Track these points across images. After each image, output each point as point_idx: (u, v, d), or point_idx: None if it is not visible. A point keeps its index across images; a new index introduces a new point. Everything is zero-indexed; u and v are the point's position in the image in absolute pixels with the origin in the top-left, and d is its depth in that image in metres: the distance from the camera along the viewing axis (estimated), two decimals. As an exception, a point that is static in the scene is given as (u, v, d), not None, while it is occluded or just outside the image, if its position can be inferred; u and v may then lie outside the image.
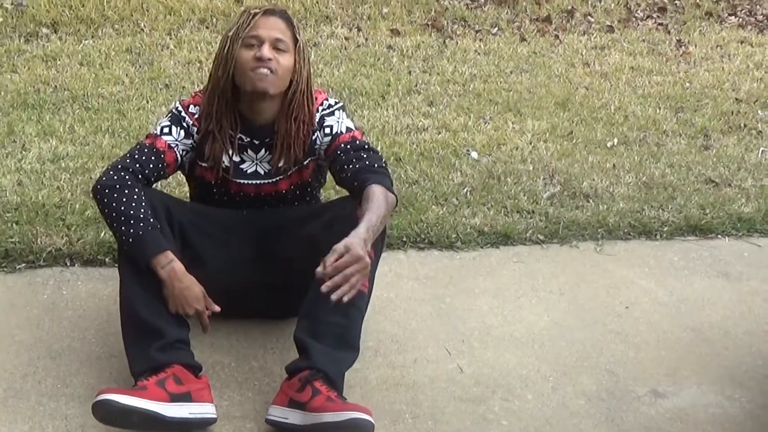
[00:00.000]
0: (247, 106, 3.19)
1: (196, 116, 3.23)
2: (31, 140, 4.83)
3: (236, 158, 3.26)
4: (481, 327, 3.59)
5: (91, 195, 3.18)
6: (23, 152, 4.67)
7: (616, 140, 5.27)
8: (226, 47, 3.14)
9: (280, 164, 3.25)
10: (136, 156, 3.16)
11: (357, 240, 2.79)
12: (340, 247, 2.77)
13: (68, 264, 3.77)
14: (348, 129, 3.24)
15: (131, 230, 3.01)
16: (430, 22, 7.19)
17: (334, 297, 2.75)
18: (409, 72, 6.25)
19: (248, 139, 3.24)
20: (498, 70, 6.38)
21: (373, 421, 2.84)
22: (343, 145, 3.20)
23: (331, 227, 3.10)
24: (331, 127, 3.24)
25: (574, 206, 4.44)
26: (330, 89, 5.85)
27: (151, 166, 3.16)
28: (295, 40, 3.16)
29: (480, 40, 7.00)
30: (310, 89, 3.22)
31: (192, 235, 3.20)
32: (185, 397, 2.91)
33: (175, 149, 3.21)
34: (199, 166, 3.29)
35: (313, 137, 3.24)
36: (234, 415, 3.07)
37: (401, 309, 3.66)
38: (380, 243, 3.18)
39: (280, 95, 3.17)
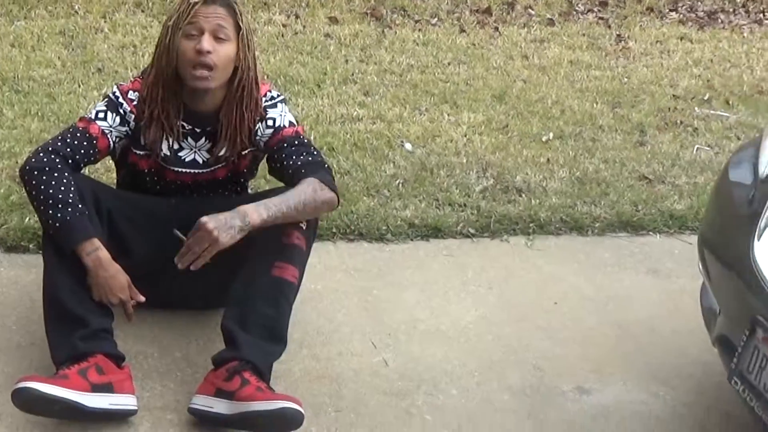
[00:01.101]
0: (190, 94, 3.13)
1: (135, 103, 3.15)
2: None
3: (175, 146, 3.19)
4: (407, 320, 3.56)
5: (18, 177, 3.10)
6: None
7: (551, 134, 5.26)
8: (168, 37, 3.05)
9: (221, 153, 3.19)
10: (68, 140, 3.08)
11: (217, 215, 2.90)
12: (200, 220, 2.89)
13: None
14: (291, 123, 3.20)
15: (58, 215, 2.94)
16: (369, 11, 7.14)
17: (180, 266, 2.91)
18: (346, 61, 6.21)
19: (189, 127, 3.18)
20: (436, 61, 6.35)
21: (303, 412, 2.81)
22: (288, 139, 3.16)
23: None
24: (274, 119, 3.19)
25: (507, 200, 4.43)
26: (266, 76, 5.77)
27: (82, 151, 3.08)
28: (238, 28, 3.07)
29: (419, 30, 6.97)
30: (257, 76, 3.15)
31: (119, 222, 3.13)
32: (107, 388, 2.86)
33: (108, 136, 3.14)
34: (132, 154, 3.22)
35: (255, 128, 3.18)
36: (155, 406, 3.02)
37: (328, 300, 3.62)
38: (311, 234, 3.16)
39: (223, 84, 3.10)
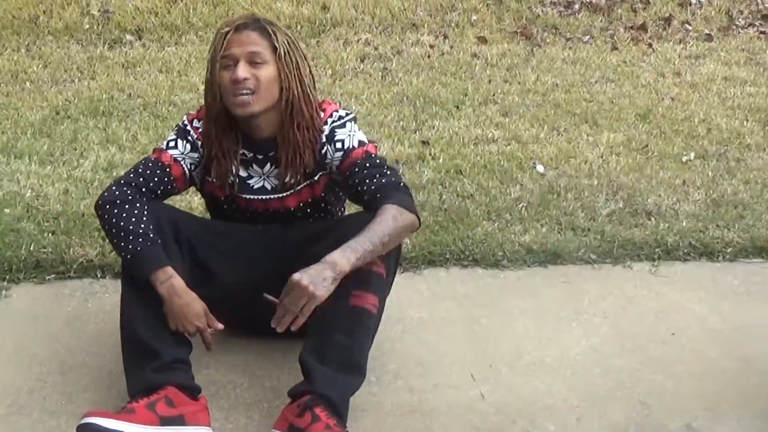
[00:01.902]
0: (245, 123, 3.10)
1: (200, 130, 3.16)
2: (90, 148, 4.86)
3: (243, 173, 3.18)
4: (512, 351, 3.43)
5: (94, 211, 3.13)
6: (80, 160, 4.69)
7: (693, 154, 5.03)
8: (208, 71, 3.06)
9: (287, 178, 3.14)
10: (140, 170, 3.11)
11: (307, 270, 2.78)
12: (290, 279, 2.77)
13: (98, 276, 3.75)
14: (361, 143, 3.12)
15: (130, 246, 2.95)
16: (519, 30, 7.03)
17: (279, 330, 2.78)
18: (489, 81, 6.11)
19: (251, 155, 3.16)
20: (582, 80, 6.19)
21: None
22: (359, 161, 3.08)
23: (336, 247, 2.98)
24: (343, 141, 3.12)
25: (634, 224, 4.24)
26: (405, 98, 5.76)
27: (156, 179, 3.10)
28: (274, 49, 3.02)
29: (570, 48, 6.81)
30: (307, 93, 3.09)
31: (202, 250, 3.13)
32: (177, 420, 2.83)
33: (182, 163, 3.15)
34: (209, 183, 3.22)
35: (323, 150, 3.13)
36: (236, 438, 2.99)
37: (432, 330, 3.53)
38: (392, 261, 3.07)
39: (274, 107, 3.07)
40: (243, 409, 3.12)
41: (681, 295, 3.81)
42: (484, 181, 4.61)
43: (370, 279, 2.93)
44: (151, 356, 2.92)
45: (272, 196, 3.21)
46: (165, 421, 2.81)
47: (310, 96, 3.12)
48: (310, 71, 3.15)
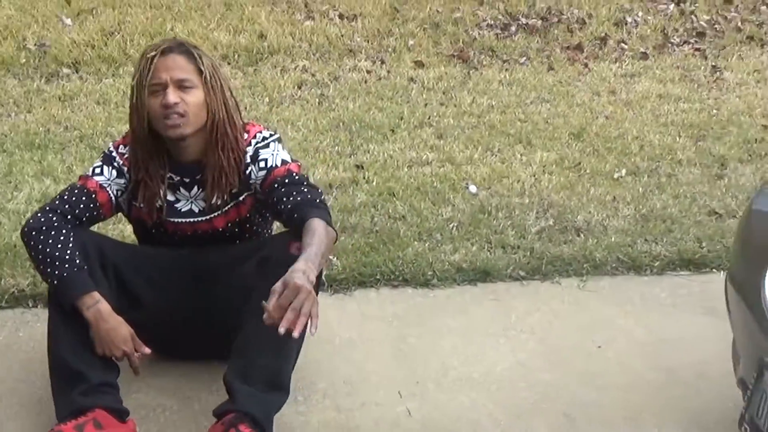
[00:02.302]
0: (172, 146, 3.13)
1: (126, 156, 3.18)
2: (25, 180, 4.85)
3: (171, 197, 3.20)
4: (439, 368, 3.47)
5: (20, 238, 3.14)
6: (14, 193, 4.69)
7: (624, 171, 5.11)
8: (134, 96, 3.08)
9: (213, 199, 3.16)
10: (65, 197, 3.12)
11: (294, 274, 2.66)
12: (277, 286, 2.65)
13: (30, 305, 3.76)
14: (284, 162, 3.15)
15: (56, 272, 2.96)
16: (456, 53, 7.09)
17: (295, 334, 2.62)
18: (426, 104, 6.16)
19: (178, 178, 3.18)
20: (518, 101, 6.26)
21: None
22: (279, 179, 3.10)
23: (263, 266, 3.02)
24: (266, 160, 3.14)
25: (563, 241, 4.30)
26: (341, 123, 5.80)
27: (81, 206, 3.11)
28: (200, 72, 3.05)
29: (506, 70, 6.88)
30: (231, 115, 3.12)
31: (128, 276, 3.15)
32: (104, 443, 2.84)
33: (108, 189, 3.16)
34: (135, 208, 3.24)
35: (248, 171, 3.16)
36: (164, 461, 2.99)
37: (360, 350, 3.56)
38: (317, 281, 3.07)
39: (202, 130, 3.09)
40: (172, 431, 3.12)
41: (608, 309, 3.87)
42: (416, 202, 4.65)
43: None
44: (77, 380, 2.93)
45: (200, 219, 3.23)
46: None
47: (234, 118, 3.15)
48: (232, 93, 3.19)
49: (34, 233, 3.02)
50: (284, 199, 3.06)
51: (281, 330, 2.57)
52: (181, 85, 3.03)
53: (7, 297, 3.77)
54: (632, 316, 3.81)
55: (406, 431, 3.16)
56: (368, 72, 6.76)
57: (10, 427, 3.13)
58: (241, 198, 3.20)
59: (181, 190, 3.20)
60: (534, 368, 3.48)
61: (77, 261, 2.98)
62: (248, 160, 3.15)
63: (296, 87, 6.48)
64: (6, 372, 3.41)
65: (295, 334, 2.59)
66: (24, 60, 6.65)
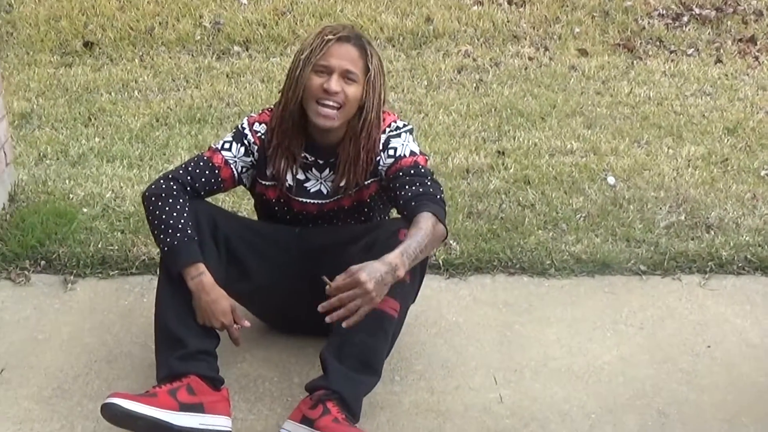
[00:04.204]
0: (314, 128, 3.20)
1: (260, 135, 3.27)
2: (178, 153, 5.08)
3: (300, 176, 3.29)
4: (539, 357, 3.48)
5: (141, 201, 3.30)
6: (165, 165, 4.92)
7: (773, 169, 4.95)
8: (298, 69, 3.13)
9: (341, 184, 3.25)
10: (190, 168, 3.25)
11: (372, 267, 2.78)
12: (351, 269, 2.77)
13: (157, 273, 3.91)
14: (412, 153, 3.19)
15: (167, 239, 3.11)
16: (622, 42, 6.99)
17: (327, 319, 2.78)
18: (582, 93, 6.12)
19: (312, 159, 3.27)
20: (677, 93, 6.14)
21: None
22: (405, 168, 3.15)
23: (369, 250, 3.08)
24: (395, 149, 3.20)
25: (691, 237, 4.22)
26: (493, 109, 5.82)
27: (203, 179, 3.23)
28: (367, 70, 3.12)
29: (672, 61, 6.76)
30: (379, 119, 3.19)
31: (238, 248, 3.25)
32: (197, 408, 2.98)
33: (233, 166, 3.27)
34: (259, 184, 3.34)
35: (377, 159, 3.22)
36: (254, 429, 3.13)
37: (464, 334, 3.60)
38: (418, 269, 3.12)
39: (349, 119, 3.17)
40: (267, 402, 3.26)
41: (725, 308, 3.79)
42: (549, 191, 4.64)
43: (394, 285, 2.94)
44: (177, 345, 3.07)
45: (327, 201, 3.31)
46: (184, 408, 2.96)
47: (380, 121, 3.22)
48: (386, 95, 3.25)
49: (153, 198, 3.17)
50: (405, 187, 3.11)
51: (319, 310, 2.76)
52: (346, 77, 3.10)
53: (137, 264, 3.98)
54: (749, 318, 3.73)
55: (494, 417, 3.18)
56: (530, 59, 6.75)
57: (119, 386, 3.30)
58: (366, 183, 3.27)
59: (313, 170, 3.28)
60: (636, 364, 3.45)
61: (189, 231, 3.11)
62: (380, 148, 3.21)
63: (456, 71, 6.54)
64: (125, 334, 3.61)
65: (327, 319, 2.78)
66: (199, 37, 6.93)
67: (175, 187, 3.18)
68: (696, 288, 3.92)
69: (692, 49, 6.92)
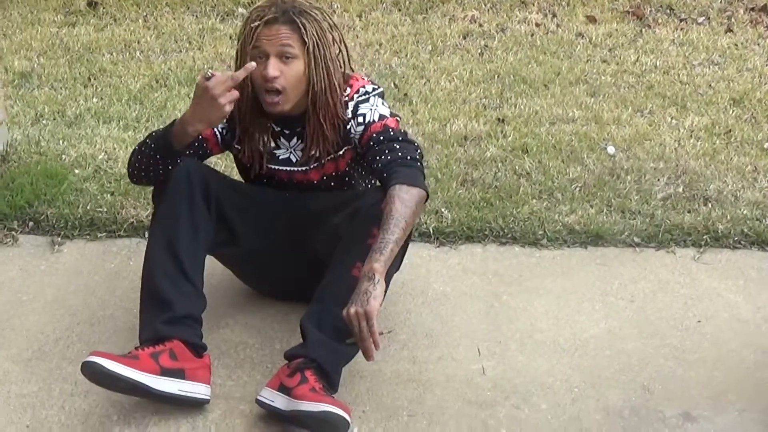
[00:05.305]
0: None
1: None
2: (175, 115, 5.00)
3: (272, 144, 3.25)
4: (525, 329, 3.43)
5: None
6: (161, 126, 4.83)
7: (776, 141, 4.86)
8: (238, 61, 3.11)
9: (312, 152, 3.20)
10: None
11: (351, 301, 2.79)
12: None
13: (145, 236, 3.87)
14: (381, 116, 3.15)
15: (148, 141, 3.16)
16: (632, 10, 6.88)
17: (369, 359, 2.81)
18: (587, 61, 6.04)
19: (279, 129, 3.23)
20: (685, 62, 6.04)
21: (348, 420, 2.81)
22: (375, 135, 3.11)
23: (353, 218, 3.07)
24: (364, 115, 3.15)
25: (687, 209, 4.15)
26: (496, 76, 5.75)
27: None
28: (304, 42, 3.05)
29: (681, 29, 6.64)
30: (333, 84, 3.12)
31: (229, 211, 3.20)
32: (177, 373, 2.95)
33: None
34: (235, 148, 3.32)
35: (348, 126, 3.18)
36: (233, 395, 3.10)
37: (451, 304, 3.56)
38: (397, 259, 3.09)
39: (301, 99, 3.12)
40: (248, 368, 3.23)
41: (718, 283, 3.73)
42: (546, 160, 4.58)
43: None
44: (164, 307, 3.02)
45: (296, 169, 3.28)
46: (165, 372, 2.93)
47: (336, 86, 3.15)
48: (340, 51, 3.18)
49: (131, 158, 3.20)
50: (378, 157, 3.07)
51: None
52: (283, 56, 3.04)
53: (126, 226, 3.95)
54: (742, 293, 3.67)
55: (475, 389, 3.14)
56: (537, 25, 6.66)
57: (99, 349, 3.26)
58: (340, 152, 3.23)
59: (281, 139, 3.25)
60: (623, 337, 3.40)
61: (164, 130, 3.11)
62: (349, 115, 3.17)
63: (461, 37, 6.46)
64: (110, 297, 3.58)
65: (370, 359, 2.79)
66: (204, -3, 6.86)
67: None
68: (690, 261, 3.86)
69: (703, 18, 6.81)
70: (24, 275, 3.75)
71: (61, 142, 4.74)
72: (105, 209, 4.05)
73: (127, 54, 6.17)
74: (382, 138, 3.11)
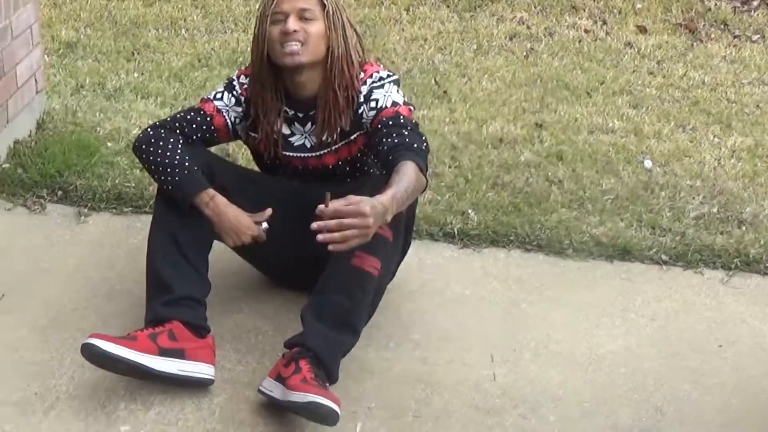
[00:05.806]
0: (290, 80, 3.17)
1: (245, 86, 3.25)
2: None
3: (286, 131, 3.24)
4: (541, 339, 3.39)
5: (133, 152, 3.26)
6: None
7: (819, 167, 4.77)
8: (258, 27, 3.13)
9: (324, 137, 3.18)
10: (180, 116, 3.24)
11: (373, 202, 2.66)
12: (352, 198, 2.65)
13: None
14: (394, 103, 3.12)
15: (169, 177, 3.07)
16: (684, 23, 6.79)
17: (320, 237, 2.62)
18: (633, 71, 5.95)
19: (293, 113, 3.22)
20: (734, 80, 5.94)
21: (337, 410, 2.76)
22: (385, 119, 3.09)
23: None
24: (377, 100, 3.14)
25: (720, 231, 4.07)
26: (539, 80, 5.69)
27: (194, 126, 3.20)
28: (323, 5, 3.09)
29: (734, 46, 6.53)
30: (350, 54, 3.13)
31: (234, 198, 3.18)
32: (177, 353, 2.94)
33: (225, 114, 3.24)
34: (252, 138, 3.31)
35: (360, 110, 3.16)
36: (241, 381, 3.09)
37: (468, 307, 3.52)
38: (401, 226, 3.07)
39: (319, 64, 3.12)
40: (257, 355, 3.22)
41: (745, 308, 3.65)
42: (580, 169, 4.52)
43: (375, 242, 2.83)
44: (163, 290, 3.04)
45: (311, 154, 3.26)
46: (164, 353, 2.92)
47: (353, 56, 3.16)
48: (356, 31, 3.20)
49: (144, 146, 3.14)
50: (384, 140, 3.04)
51: (313, 227, 2.59)
52: (303, 16, 3.08)
53: (152, 203, 3.91)
54: (768, 320, 3.59)
55: (484, 395, 3.11)
56: (586, 31, 6.59)
57: (113, 323, 3.30)
58: (352, 137, 3.22)
59: (296, 124, 3.24)
60: (641, 356, 3.34)
61: (187, 164, 3.08)
62: (361, 99, 3.16)
63: (507, 38, 6.40)
64: (129, 272, 3.58)
65: (319, 237, 2.60)
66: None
67: (163, 132, 3.17)
68: (717, 284, 3.78)
69: (758, 36, 6.70)
70: (48, 244, 3.77)
71: (97, 114, 4.76)
72: (133, 185, 4.05)
73: (173, 31, 6.18)
74: (391, 123, 3.08)
